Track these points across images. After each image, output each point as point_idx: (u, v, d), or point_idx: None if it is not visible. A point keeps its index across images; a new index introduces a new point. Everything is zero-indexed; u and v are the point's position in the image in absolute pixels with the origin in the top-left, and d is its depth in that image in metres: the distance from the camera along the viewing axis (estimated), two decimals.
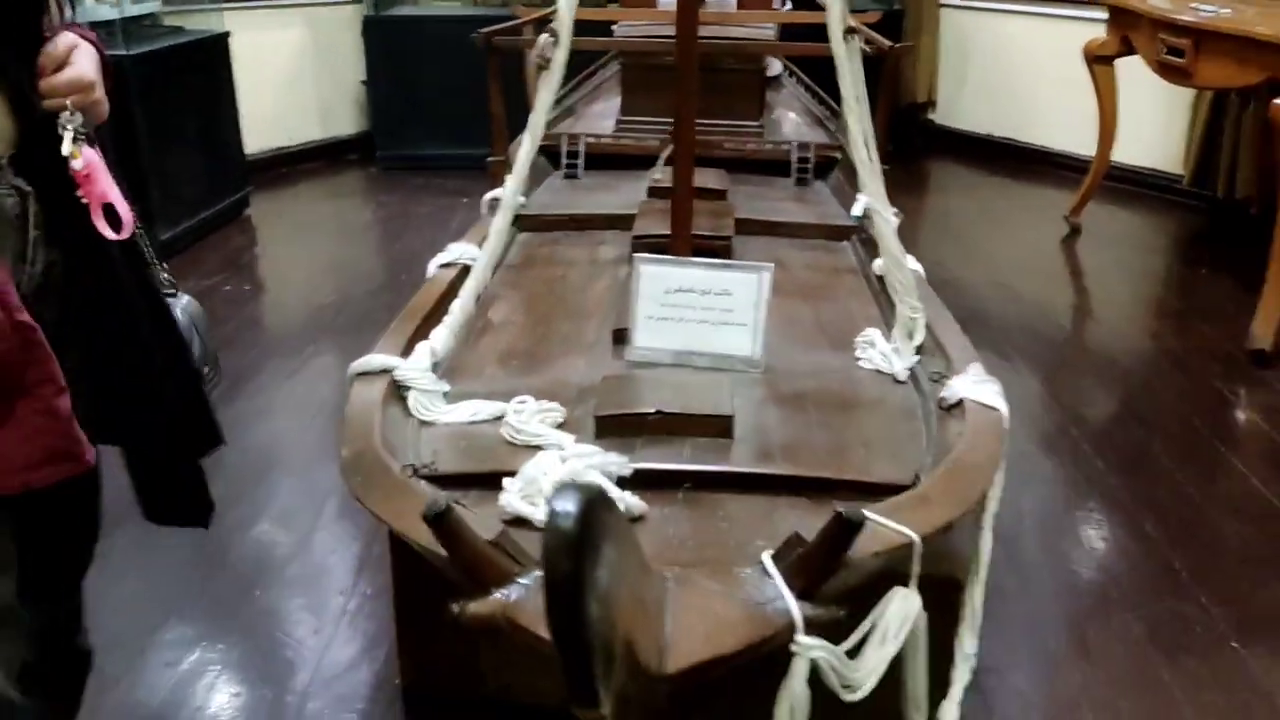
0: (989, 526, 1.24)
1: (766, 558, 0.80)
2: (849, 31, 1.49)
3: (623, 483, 1.11)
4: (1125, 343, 2.97)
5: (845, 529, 0.75)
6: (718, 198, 2.24)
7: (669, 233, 1.68)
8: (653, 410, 1.28)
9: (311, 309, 3.23)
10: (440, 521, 0.78)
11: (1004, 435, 1.21)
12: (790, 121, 2.73)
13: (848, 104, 1.49)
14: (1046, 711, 1.61)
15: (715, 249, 1.90)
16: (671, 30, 2.47)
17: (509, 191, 1.52)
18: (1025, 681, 1.66)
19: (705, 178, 2.32)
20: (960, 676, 1.17)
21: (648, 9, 2.70)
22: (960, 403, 1.24)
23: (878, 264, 1.82)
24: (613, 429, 1.26)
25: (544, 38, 1.49)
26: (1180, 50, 3.00)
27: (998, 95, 4.86)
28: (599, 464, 1.10)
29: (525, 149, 1.46)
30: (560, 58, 1.37)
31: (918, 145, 5.12)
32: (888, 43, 2.26)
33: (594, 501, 0.59)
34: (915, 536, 0.88)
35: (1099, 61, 3.61)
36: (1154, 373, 2.76)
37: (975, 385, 1.25)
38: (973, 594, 1.21)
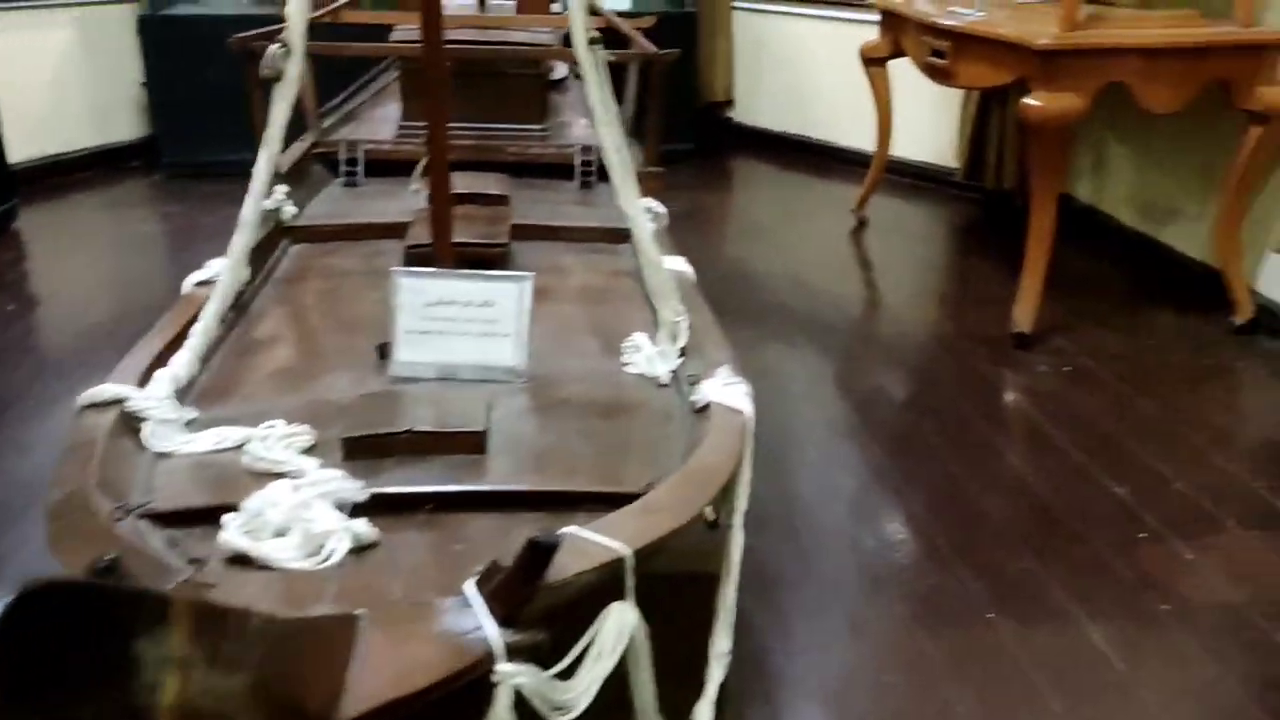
0: (739, 526, 1.28)
1: (468, 586, 0.80)
2: (593, 41, 1.50)
3: (361, 509, 1.09)
4: (905, 329, 3.13)
5: (539, 553, 0.76)
6: (498, 203, 2.23)
7: None
8: (403, 430, 1.26)
9: (85, 328, 3.04)
10: (107, 578, 0.74)
11: (747, 437, 1.25)
12: (576, 124, 2.75)
13: (596, 112, 1.51)
14: (819, 695, 1.68)
15: (489, 256, 1.89)
16: (454, 34, 2.46)
17: (248, 210, 1.47)
18: (800, 667, 1.73)
19: (485, 183, 2.31)
20: (714, 675, 1.20)
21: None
22: (708, 406, 1.28)
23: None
24: (361, 451, 1.24)
25: (273, 49, 1.44)
26: (942, 52, 3.17)
27: (790, 94, 5.03)
28: (332, 491, 1.07)
29: (260, 167, 1.41)
30: (294, 70, 1.33)
31: (719, 143, 5.25)
32: (653, 48, 2.29)
33: (54, 603, 0.50)
34: (627, 551, 0.90)
35: (873, 63, 3.79)
36: (928, 357, 2.92)
37: (723, 388, 1.28)
38: (725, 593, 1.24)
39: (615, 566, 0.88)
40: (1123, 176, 3.67)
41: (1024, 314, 2.91)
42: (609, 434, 1.35)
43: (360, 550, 1.03)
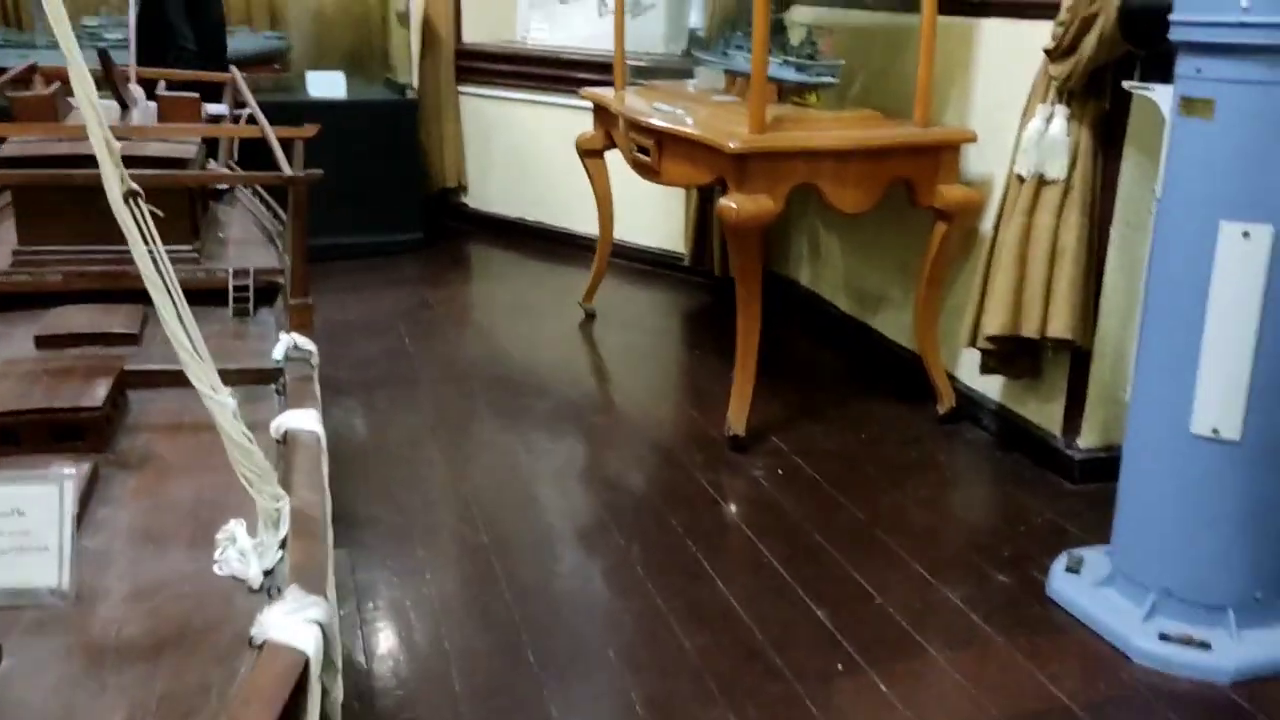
0: None
1: None
2: (131, 195, 1.27)
3: None
4: (628, 434, 3.01)
5: None
6: (124, 342, 1.94)
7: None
8: None
9: None
10: None
11: (309, 683, 1.03)
12: (234, 242, 2.48)
13: (144, 273, 1.26)
14: None
15: (80, 424, 1.60)
16: (76, 148, 2.15)
17: None
18: None
19: (112, 318, 2.01)
20: None
21: (39, 124, 2.33)
22: (264, 645, 1.05)
23: (275, 424, 1.62)
24: None
25: None
26: (647, 150, 3.11)
27: (521, 180, 4.92)
28: None
29: None
30: None
31: (452, 230, 5.07)
32: (290, 172, 2.06)
33: None
34: None
35: (589, 155, 3.72)
36: (647, 467, 2.80)
37: (285, 619, 1.06)
38: None
39: None
40: (835, 264, 3.74)
41: (737, 416, 2.85)
42: (151, 685, 1.09)
43: None
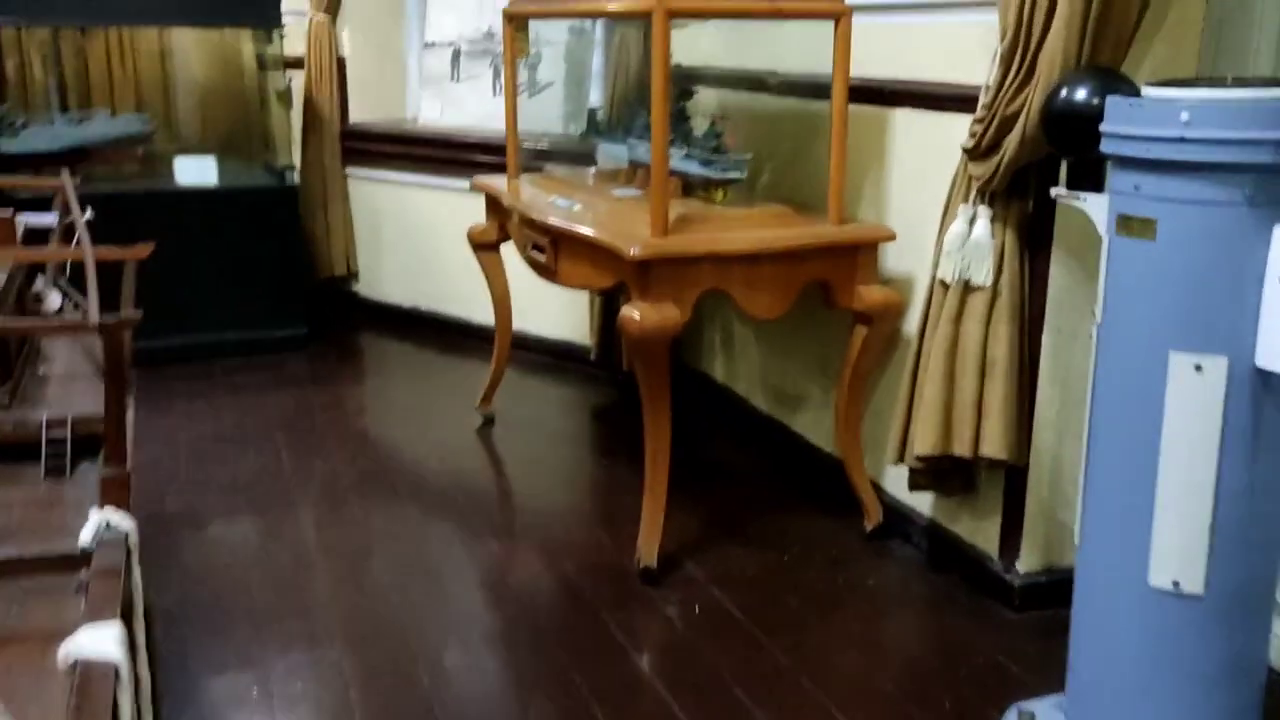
0: None
1: None
2: None
3: None
4: (528, 566, 2.72)
5: None
6: None
7: None
8: None
9: None
10: None
11: None
12: (58, 380, 2.14)
13: None
14: None
15: None
16: None
17: None
18: None
19: None
20: None
21: None
22: None
23: (63, 651, 1.29)
24: None
25: None
26: (542, 248, 2.86)
27: (416, 266, 4.63)
28: None
29: None
30: None
31: (342, 322, 4.75)
32: (96, 318, 1.69)
33: None
34: None
35: (483, 249, 3.45)
36: (546, 608, 2.51)
37: None
38: None
39: None
40: (751, 359, 3.52)
41: (648, 547, 2.58)
42: None
43: None
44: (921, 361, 2.40)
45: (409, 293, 4.68)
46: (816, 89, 2.95)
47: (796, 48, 3.02)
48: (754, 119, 3.28)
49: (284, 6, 4.38)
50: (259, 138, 4.63)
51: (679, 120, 2.91)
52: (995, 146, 2.18)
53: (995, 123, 2.15)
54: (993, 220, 2.28)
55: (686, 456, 2.91)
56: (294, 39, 4.56)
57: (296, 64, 4.64)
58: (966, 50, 2.44)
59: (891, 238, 2.63)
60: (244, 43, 4.72)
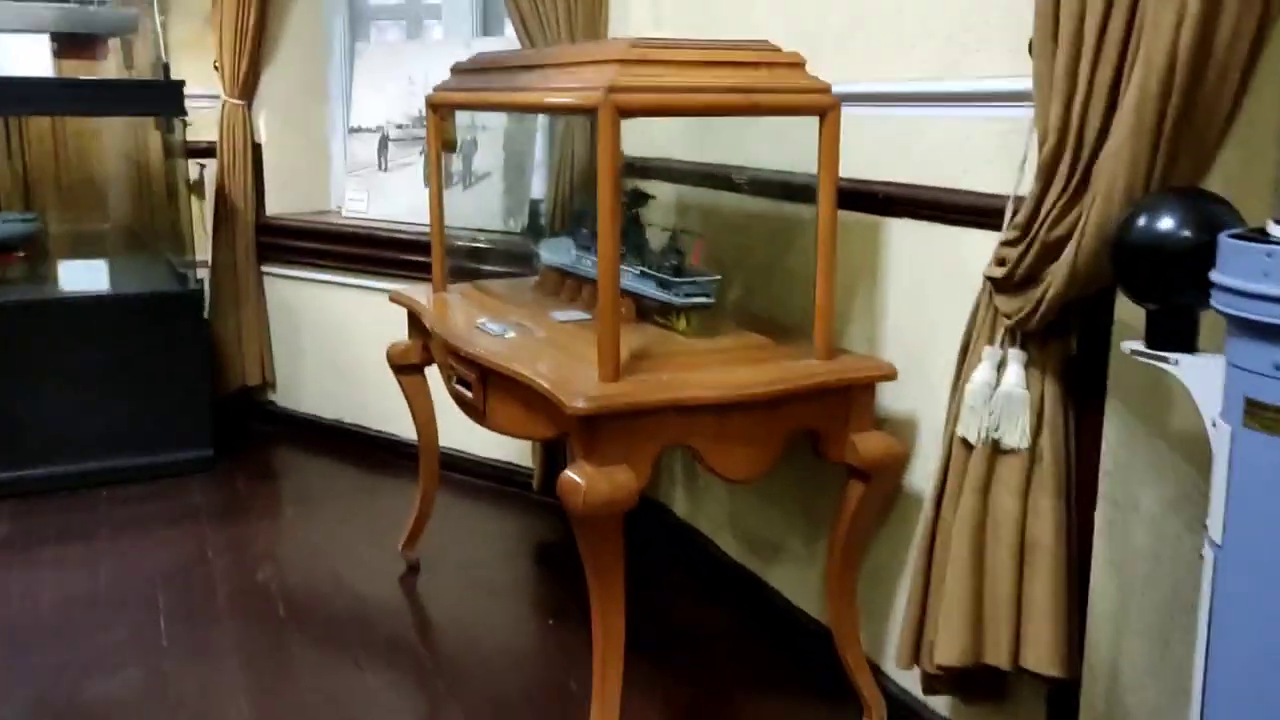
0: None
1: None
2: None
3: None
4: None
5: None
6: None
7: None
8: None
9: None
10: None
11: None
12: None
13: None
14: None
15: None
16: None
17: None
18: None
19: None
20: None
21: None
22: None
23: None
24: None
25: None
26: (469, 383, 2.36)
27: (339, 376, 4.10)
28: None
29: None
30: None
31: (258, 437, 4.20)
32: None
33: None
34: None
35: (405, 370, 2.94)
36: None
37: None
38: None
39: None
40: (718, 495, 3.02)
41: None
42: None
43: None
44: (939, 539, 1.91)
45: (331, 405, 4.15)
46: (794, 190, 2.50)
47: (770, 138, 2.58)
48: (718, 223, 2.83)
49: (195, 90, 3.91)
50: (166, 235, 4.10)
51: (632, 229, 2.44)
52: (1033, 278, 1.72)
53: (1034, 248, 1.70)
54: (1027, 366, 1.81)
55: (642, 614, 2.40)
56: (208, 124, 4.08)
57: (209, 152, 4.15)
58: (982, 152, 2.00)
59: (892, 376, 2.15)
60: (149, 131, 4.22)
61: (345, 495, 3.70)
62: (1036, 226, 1.69)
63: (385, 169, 4.01)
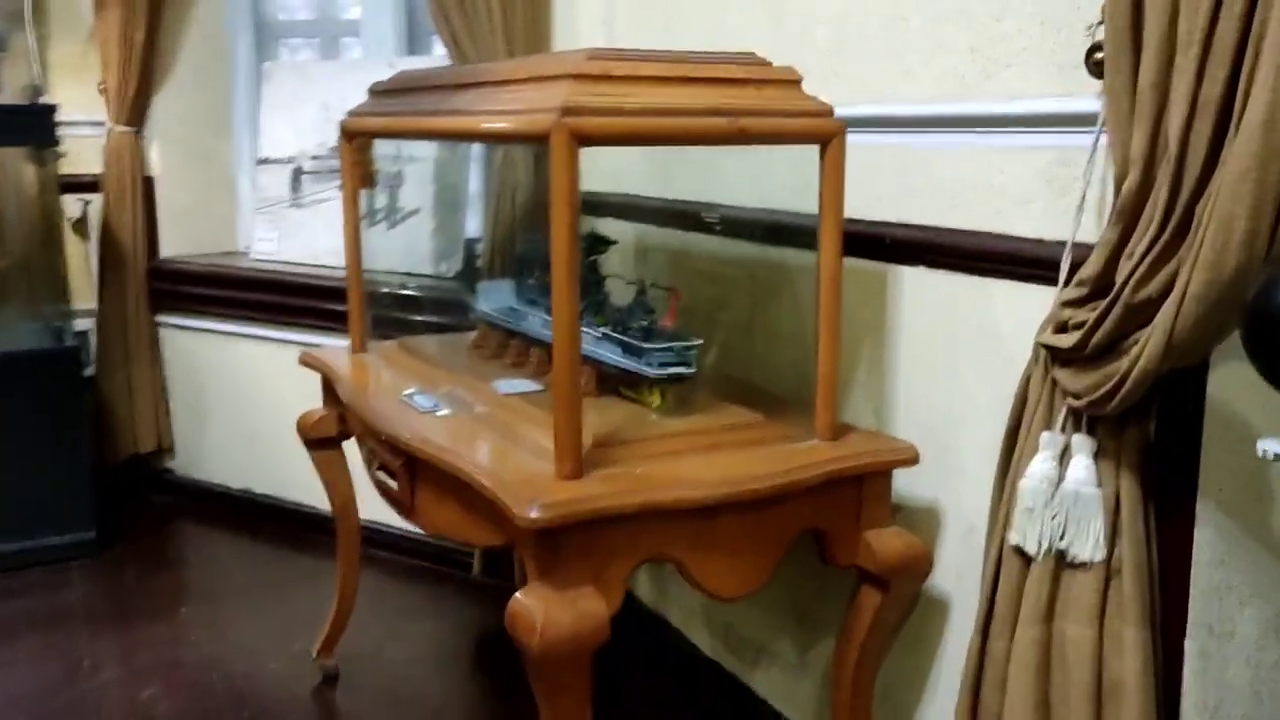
0: None
1: None
2: None
3: None
4: None
5: None
6: None
7: None
8: None
9: None
10: None
11: None
12: None
13: None
14: None
15: None
16: None
17: None
18: None
19: None
20: None
21: None
22: None
23: None
24: None
25: None
26: (393, 472, 1.92)
27: (247, 438, 3.62)
28: None
29: None
30: None
31: (154, 511, 3.69)
32: None
33: None
34: None
35: (318, 445, 2.49)
36: None
37: None
38: None
39: None
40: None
41: None
42: None
43: None
44: (987, 678, 1.52)
45: (239, 473, 3.65)
46: (778, 231, 2.12)
47: (749, 168, 2.20)
48: (687, 270, 2.44)
49: (75, 115, 3.43)
50: (39, 282, 3.59)
51: (590, 281, 2.04)
52: (1112, 349, 1.36)
53: (1114, 312, 1.33)
54: (1097, 457, 1.44)
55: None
56: (94, 155, 3.59)
57: (94, 186, 3.65)
58: (1018, 187, 1.64)
59: (914, 460, 1.76)
60: (20, 163, 3.70)
61: (252, 585, 3.20)
62: (1120, 285, 1.32)
63: (299, 205, 3.55)
